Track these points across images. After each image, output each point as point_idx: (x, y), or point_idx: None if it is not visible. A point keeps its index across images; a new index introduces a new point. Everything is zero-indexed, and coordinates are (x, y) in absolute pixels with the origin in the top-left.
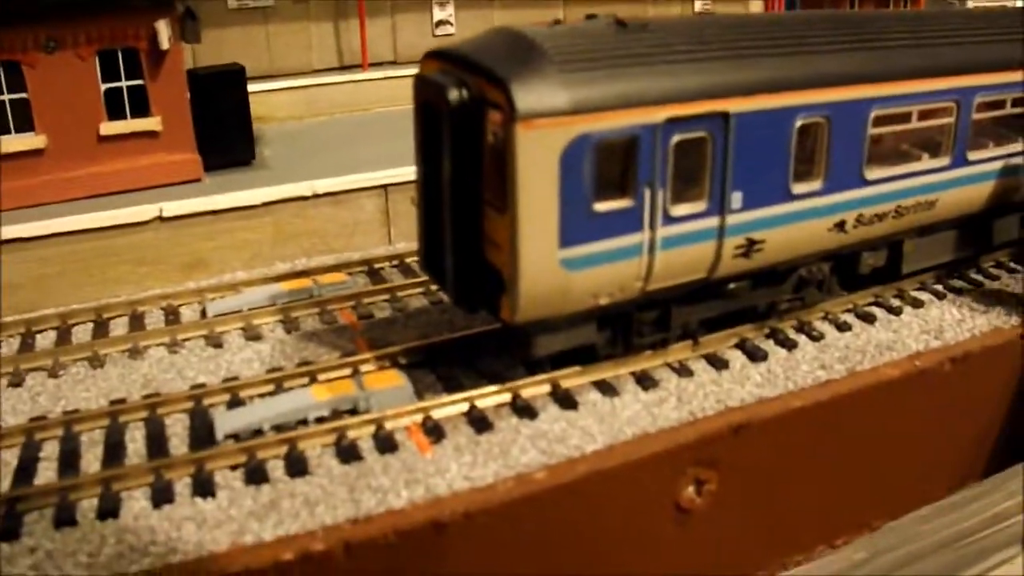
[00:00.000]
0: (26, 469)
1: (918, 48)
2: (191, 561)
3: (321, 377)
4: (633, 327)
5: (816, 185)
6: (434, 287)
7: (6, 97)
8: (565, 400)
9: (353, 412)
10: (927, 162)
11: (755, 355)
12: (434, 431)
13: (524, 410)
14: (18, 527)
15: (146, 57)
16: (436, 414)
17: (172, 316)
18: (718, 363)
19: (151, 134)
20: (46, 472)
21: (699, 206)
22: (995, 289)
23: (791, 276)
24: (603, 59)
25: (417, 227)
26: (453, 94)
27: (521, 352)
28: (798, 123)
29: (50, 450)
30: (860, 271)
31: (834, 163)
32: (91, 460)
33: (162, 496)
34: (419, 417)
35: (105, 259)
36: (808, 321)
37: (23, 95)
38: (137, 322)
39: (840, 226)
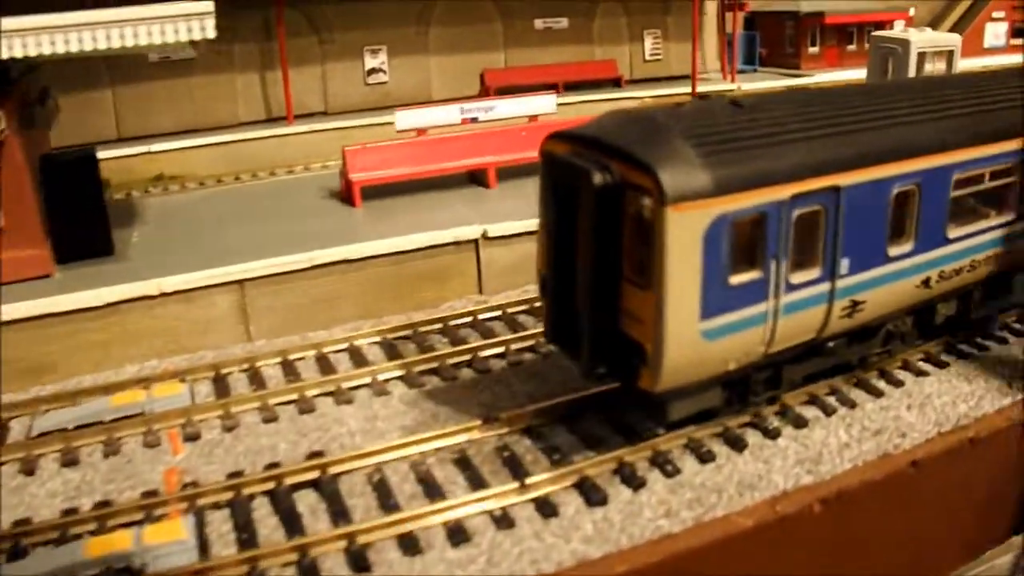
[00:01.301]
0: None
1: (987, 113)
2: None
3: (113, 521)
4: (751, 387)
5: (908, 247)
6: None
7: None
8: (359, 559)
9: (127, 571)
10: (995, 218)
11: (592, 498)
12: None
13: (308, 572)
14: None
15: None
16: None
17: None
18: (547, 509)
19: None
20: None
21: (813, 273)
22: (893, 402)
23: (880, 331)
24: (730, 140)
25: (543, 300)
26: (597, 178)
27: (656, 417)
28: (895, 191)
29: None
30: (936, 321)
31: (922, 225)
32: None
33: None
34: None
35: None
36: (666, 451)
37: None
38: None
39: (926, 282)
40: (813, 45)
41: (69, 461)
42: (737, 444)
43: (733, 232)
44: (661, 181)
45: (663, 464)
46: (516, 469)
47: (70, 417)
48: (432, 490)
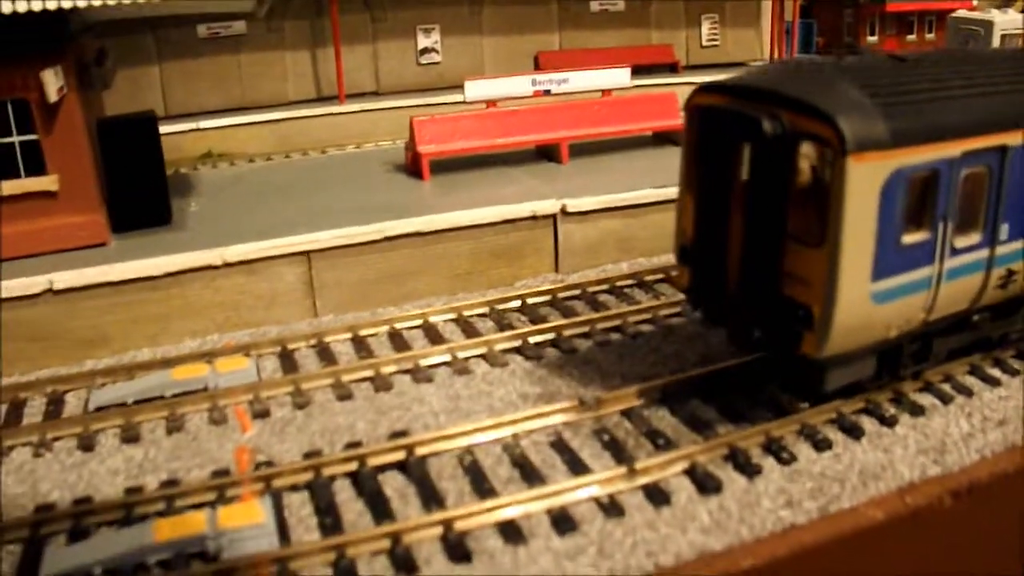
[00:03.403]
0: None
1: None
2: None
3: (181, 502)
4: (902, 359)
5: None
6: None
7: None
8: (457, 549)
9: (202, 556)
10: None
11: (706, 486)
12: None
13: (403, 562)
14: None
15: (38, 110)
16: (297, 564)
17: (54, 406)
18: (658, 497)
19: (48, 194)
20: None
21: (975, 238)
22: (1012, 392)
23: (1022, 307)
24: (901, 93)
25: (682, 268)
26: (768, 126)
27: (811, 387)
28: None
29: None
30: None
31: None
32: None
33: None
34: (274, 569)
35: None
36: (779, 437)
37: None
38: (16, 412)
39: None
40: (872, 34)
41: (130, 437)
42: (853, 432)
43: (908, 188)
44: (842, 129)
45: (777, 451)
46: (619, 453)
47: (129, 391)
48: (530, 474)
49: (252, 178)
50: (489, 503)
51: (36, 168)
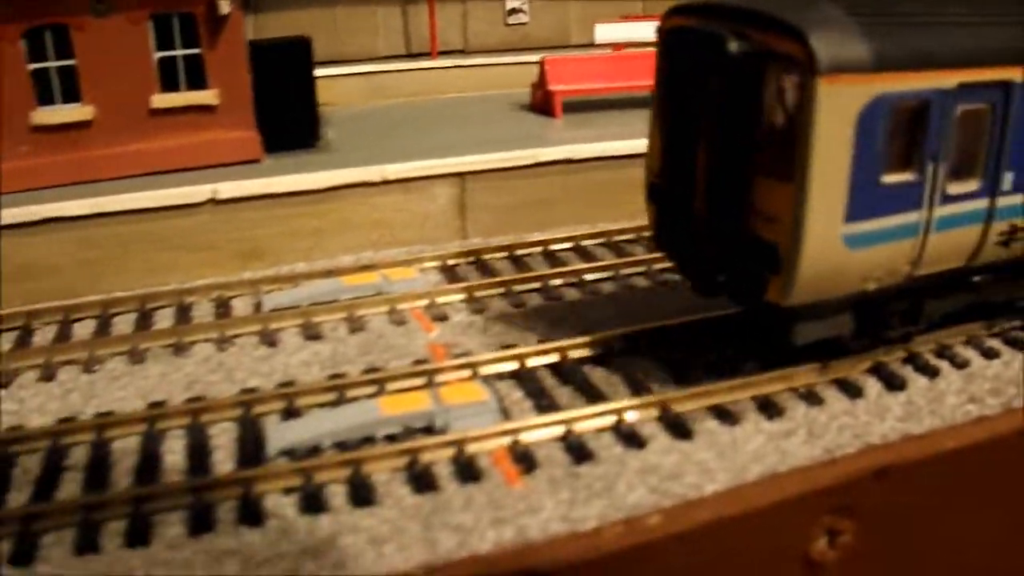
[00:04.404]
0: (48, 480)
1: None
2: None
3: (390, 387)
4: (885, 318)
5: None
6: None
7: (52, 64)
8: (677, 427)
9: (428, 431)
10: None
11: (892, 383)
12: (524, 459)
13: (630, 438)
14: (32, 550)
15: (204, 23)
16: (526, 438)
17: (223, 309)
18: (851, 390)
19: (207, 108)
20: (70, 485)
21: (972, 185)
22: None
23: None
24: (890, 15)
25: (651, 200)
26: (732, 45)
27: (777, 340)
28: None
29: (77, 457)
30: None
31: None
32: (121, 473)
33: (201, 522)
34: (507, 441)
35: (153, 243)
36: (949, 345)
37: (70, 62)
38: (184, 314)
39: None
40: None
41: (312, 335)
42: (1017, 344)
43: (891, 120)
44: (813, 48)
45: (951, 357)
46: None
47: (301, 295)
48: (726, 367)
49: (376, 115)
50: (697, 388)
51: (197, 82)
